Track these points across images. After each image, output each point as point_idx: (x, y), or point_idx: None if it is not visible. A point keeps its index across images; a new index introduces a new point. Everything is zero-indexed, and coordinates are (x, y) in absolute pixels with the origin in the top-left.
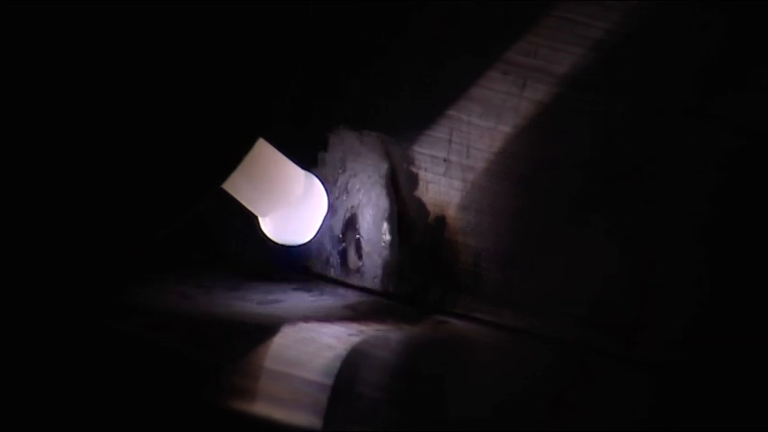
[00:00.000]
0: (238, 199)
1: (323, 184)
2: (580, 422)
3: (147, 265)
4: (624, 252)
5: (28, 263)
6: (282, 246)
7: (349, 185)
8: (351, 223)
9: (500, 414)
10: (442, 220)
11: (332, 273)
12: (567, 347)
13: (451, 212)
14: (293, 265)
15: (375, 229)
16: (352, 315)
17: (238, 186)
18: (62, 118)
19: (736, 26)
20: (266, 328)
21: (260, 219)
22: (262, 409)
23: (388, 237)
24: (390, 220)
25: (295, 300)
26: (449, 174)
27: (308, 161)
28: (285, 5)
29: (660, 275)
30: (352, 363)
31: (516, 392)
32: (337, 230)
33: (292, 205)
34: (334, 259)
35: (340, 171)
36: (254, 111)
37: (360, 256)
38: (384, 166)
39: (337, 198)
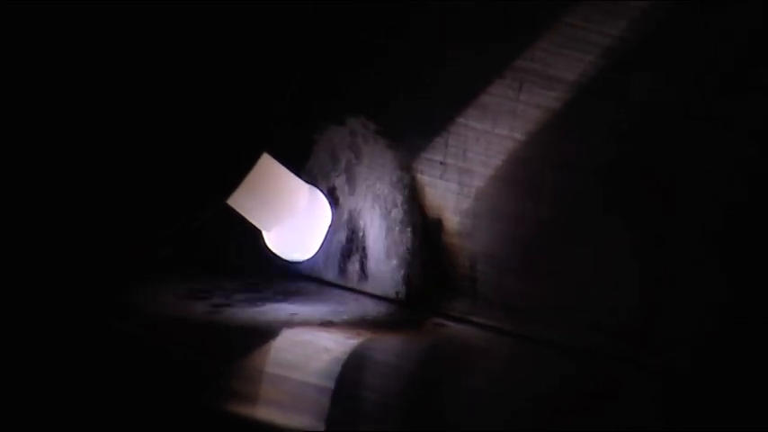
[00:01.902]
0: (242, 213)
1: (326, 196)
2: (579, 425)
3: (147, 265)
4: (625, 256)
5: (28, 262)
6: (286, 261)
7: (348, 189)
8: (351, 227)
9: (496, 417)
10: (438, 223)
11: (330, 276)
12: (566, 351)
13: (448, 215)
14: (294, 275)
15: (377, 233)
16: (349, 318)
17: (242, 201)
18: (67, 120)
19: (738, 26)
20: (264, 332)
21: (264, 233)
22: (259, 412)
23: (392, 241)
24: (398, 224)
25: (293, 303)
26: (445, 177)
27: (308, 162)
28: (285, 5)
29: (669, 280)
30: (350, 366)
31: (512, 396)
32: (336, 234)
33: (296, 219)
34: (333, 263)
35: (337, 174)
36: (256, 113)
37: (359, 261)
38: (390, 169)
39: (338, 201)
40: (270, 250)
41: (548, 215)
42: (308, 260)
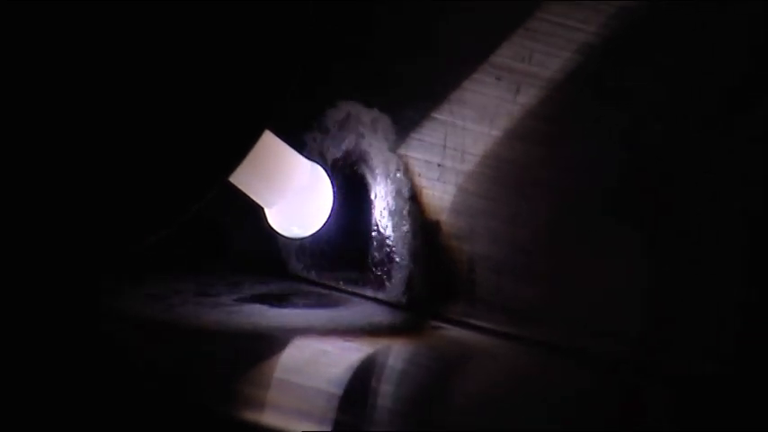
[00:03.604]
0: (244, 190)
1: (328, 174)
2: (582, 428)
3: (145, 264)
4: (625, 257)
5: (27, 259)
6: (289, 238)
7: (346, 191)
8: (348, 229)
9: (493, 420)
10: (436, 225)
11: (329, 279)
12: (562, 354)
13: (446, 218)
14: (293, 277)
15: (376, 234)
16: (348, 321)
17: (243, 178)
18: (65, 112)
19: (738, 26)
20: (263, 335)
21: (266, 210)
22: (261, 416)
23: (394, 243)
24: (397, 226)
25: (291, 307)
26: (443, 179)
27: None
28: (285, 5)
29: (670, 281)
30: (348, 369)
31: (510, 399)
32: (331, 237)
33: (298, 196)
34: (332, 266)
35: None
36: (256, 108)
37: (359, 264)
38: (388, 171)
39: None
40: (272, 228)
41: (546, 217)
42: (306, 264)
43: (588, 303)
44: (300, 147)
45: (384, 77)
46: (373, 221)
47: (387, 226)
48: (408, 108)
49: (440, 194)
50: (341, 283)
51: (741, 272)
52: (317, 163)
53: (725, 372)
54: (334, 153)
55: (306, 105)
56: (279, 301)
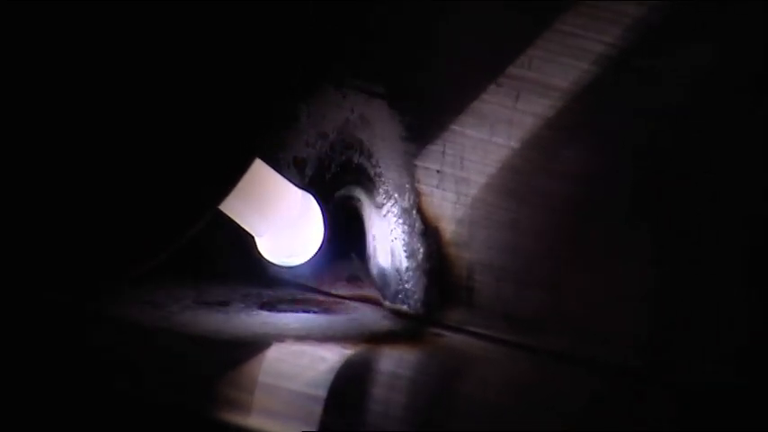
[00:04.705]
0: (234, 218)
1: (319, 203)
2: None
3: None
4: (625, 263)
5: (15, 287)
6: (279, 266)
7: (344, 192)
8: (346, 237)
9: (493, 426)
10: (435, 232)
11: (326, 285)
12: (562, 361)
13: (444, 225)
14: (291, 283)
15: (378, 243)
16: (346, 328)
17: (234, 206)
18: (54, 133)
19: (736, 26)
20: (258, 341)
21: (256, 239)
22: (253, 421)
23: (391, 250)
24: (398, 233)
25: (287, 312)
26: (442, 185)
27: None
28: (285, 5)
29: (672, 287)
30: (346, 375)
31: (510, 406)
32: (328, 247)
33: (289, 225)
34: (330, 271)
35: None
36: (253, 114)
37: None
38: (391, 176)
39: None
40: (263, 256)
41: (546, 223)
42: (305, 268)
43: (590, 310)
44: (298, 151)
45: (384, 77)
46: (371, 229)
47: (386, 233)
48: (407, 114)
49: (439, 201)
50: (339, 288)
51: (741, 272)
52: (308, 191)
53: (725, 371)
54: (333, 157)
55: (304, 107)
56: (277, 307)
